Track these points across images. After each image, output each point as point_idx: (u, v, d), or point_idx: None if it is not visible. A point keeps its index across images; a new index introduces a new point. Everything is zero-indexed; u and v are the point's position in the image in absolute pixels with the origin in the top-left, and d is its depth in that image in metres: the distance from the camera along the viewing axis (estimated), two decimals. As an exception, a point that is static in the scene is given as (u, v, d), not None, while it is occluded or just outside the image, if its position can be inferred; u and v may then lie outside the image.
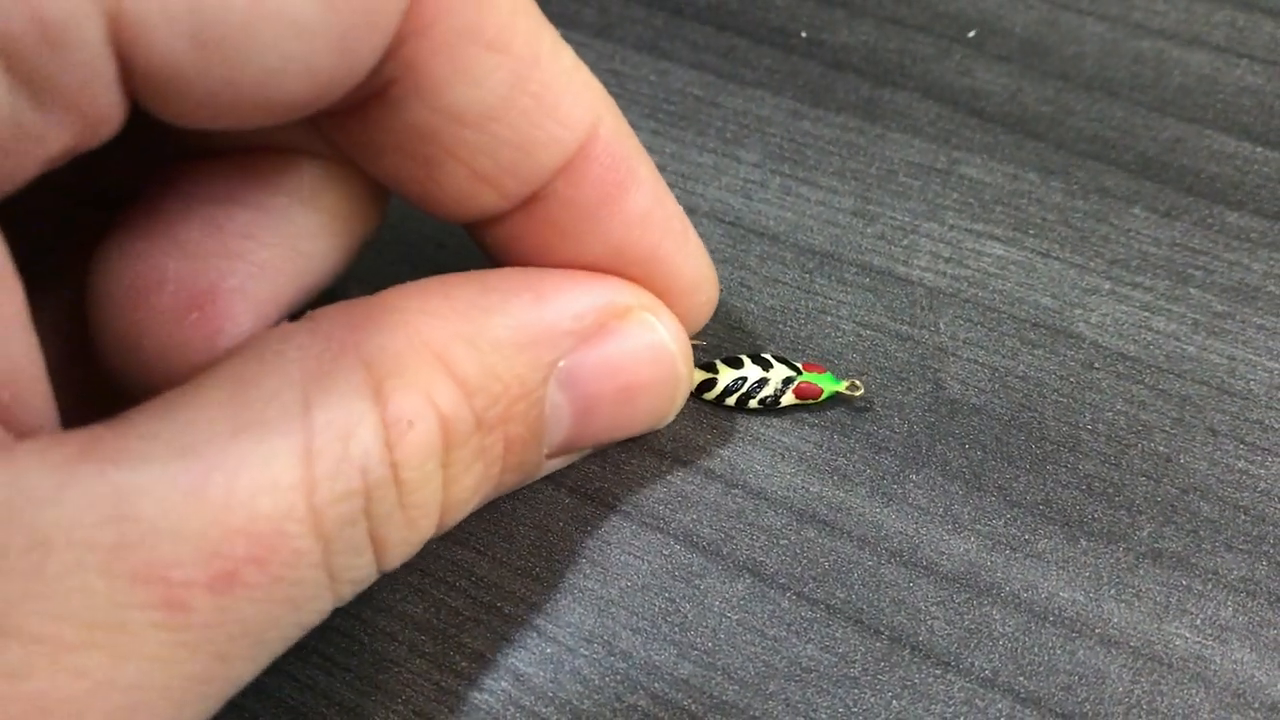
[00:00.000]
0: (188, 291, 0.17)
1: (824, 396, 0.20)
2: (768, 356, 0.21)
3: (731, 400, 0.21)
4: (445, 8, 0.15)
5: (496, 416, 0.16)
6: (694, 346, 0.21)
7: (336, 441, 0.14)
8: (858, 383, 0.20)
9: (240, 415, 0.14)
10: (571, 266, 0.18)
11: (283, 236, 0.17)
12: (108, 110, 0.13)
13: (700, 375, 0.21)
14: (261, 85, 0.14)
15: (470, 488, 0.17)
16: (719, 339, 0.22)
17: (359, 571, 0.15)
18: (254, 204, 0.17)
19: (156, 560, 0.13)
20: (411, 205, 0.18)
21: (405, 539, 0.16)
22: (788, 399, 0.20)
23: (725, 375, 0.21)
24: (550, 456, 0.18)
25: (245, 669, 0.14)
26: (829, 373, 0.21)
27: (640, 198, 0.18)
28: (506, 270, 0.18)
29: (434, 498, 0.16)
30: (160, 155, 0.18)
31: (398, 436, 0.15)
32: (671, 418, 0.20)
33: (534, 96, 0.16)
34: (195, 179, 0.17)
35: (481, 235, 0.18)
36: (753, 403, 0.20)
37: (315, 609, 0.15)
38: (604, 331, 0.18)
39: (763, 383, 0.20)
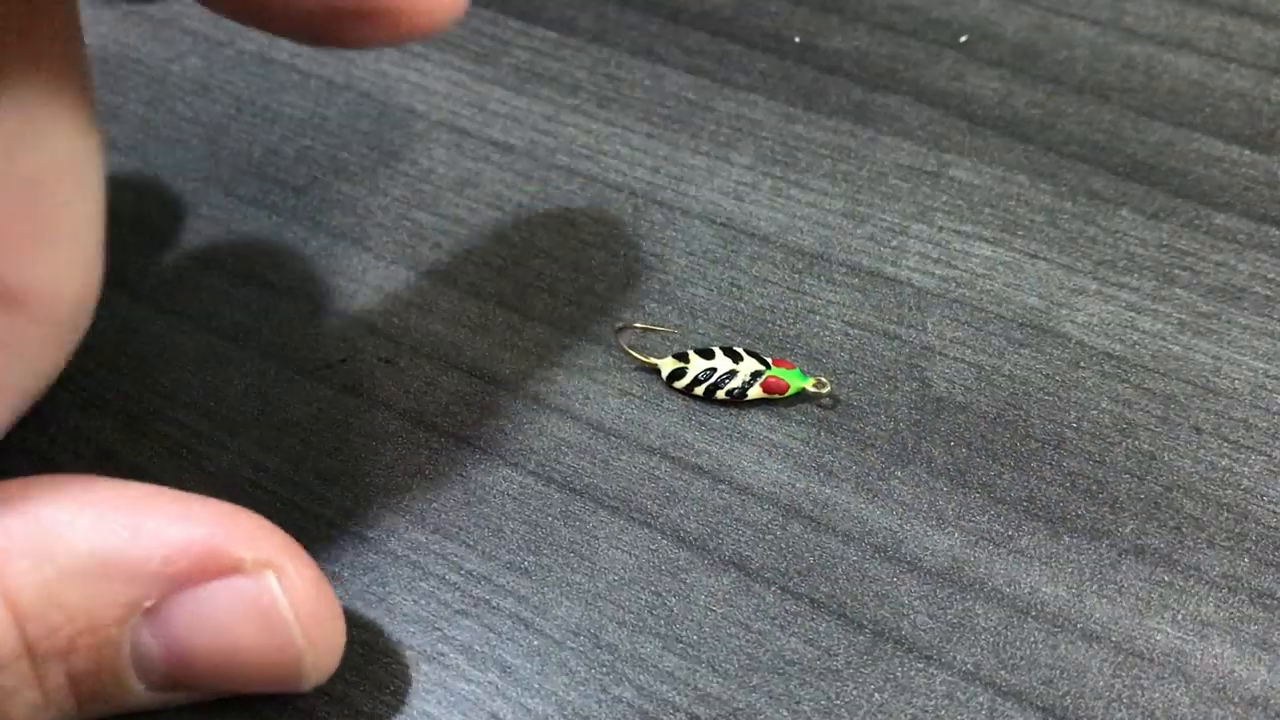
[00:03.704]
0: None
1: (790, 392, 0.21)
2: (739, 350, 0.21)
3: (700, 390, 0.21)
4: None
5: (54, 648, 0.15)
6: (662, 335, 0.22)
7: None
8: (824, 380, 0.21)
9: None
10: None
11: None
12: None
13: (672, 364, 0.21)
14: None
15: (25, 714, 0.15)
16: (708, 338, 0.22)
17: None
18: None
19: None
20: None
21: None
22: (755, 392, 0.21)
23: (695, 365, 0.21)
24: (155, 691, 0.16)
25: None
26: (797, 369, 0.21)
27: None
28: (132, 489, 0.16)
29: None
30: None
31: None
32: (316, 682, 0.17)
33: None
34: None
35: None
36: (720, 393, 0.21)
37: None
38: (202, 579, 0.16)
39: (731, 374, 0.21)
